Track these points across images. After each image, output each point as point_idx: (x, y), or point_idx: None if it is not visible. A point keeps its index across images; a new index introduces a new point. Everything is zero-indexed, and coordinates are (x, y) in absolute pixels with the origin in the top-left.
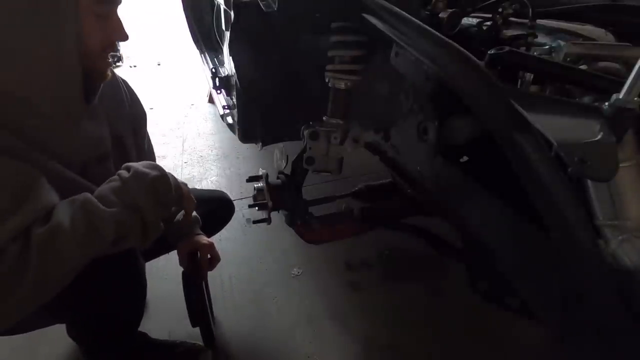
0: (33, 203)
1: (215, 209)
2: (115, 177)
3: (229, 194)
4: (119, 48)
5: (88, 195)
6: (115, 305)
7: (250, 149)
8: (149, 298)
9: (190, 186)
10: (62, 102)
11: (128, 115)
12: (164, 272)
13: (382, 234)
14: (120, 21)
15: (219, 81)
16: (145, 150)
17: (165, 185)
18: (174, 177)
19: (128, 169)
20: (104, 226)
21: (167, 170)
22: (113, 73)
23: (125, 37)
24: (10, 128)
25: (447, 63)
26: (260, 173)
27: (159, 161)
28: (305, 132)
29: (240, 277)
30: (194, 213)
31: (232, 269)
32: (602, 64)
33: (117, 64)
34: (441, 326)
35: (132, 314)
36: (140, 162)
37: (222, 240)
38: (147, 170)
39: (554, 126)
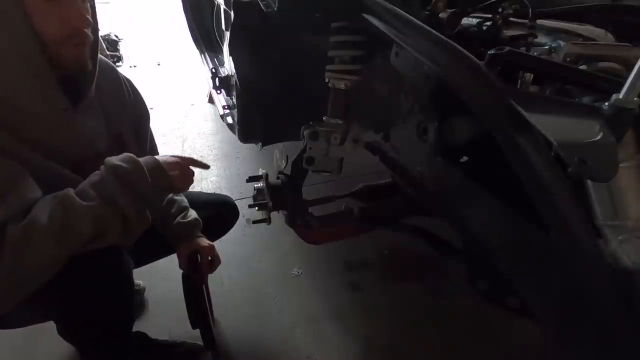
0: (12, 199)
1: (219, 212)
2: (97, 172)
3: (229, 194)
4: (88, 35)
5: (69, 190)
6: (99, 303)
7: (250, 149)
8: (149, 298)
9: (189, 186)
10: (41, 97)
11: (130, 114)
12: (164, 272)
13: (382, 234)
14: (75, 5)
15: (219, 81)
16: (146, 149)
17: (140, 178)
18: (154, 161)
19: (105, 163)
20: (80, 220)
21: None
22: (116, 70)
23: (83, 22)
24: (1, 125)
25: (447, 63)
26: (260, 173)
27: None
28: (305, 132)
29: (240, 277)
30: (195, 215)
31: (232, 269)
32: (602, 64)
33: (117, 64)
34: (441, 326)
35: (118, 313)
36: (118, 156)
37: (221, 240)
38: (120, 164)
39: (554, 126)
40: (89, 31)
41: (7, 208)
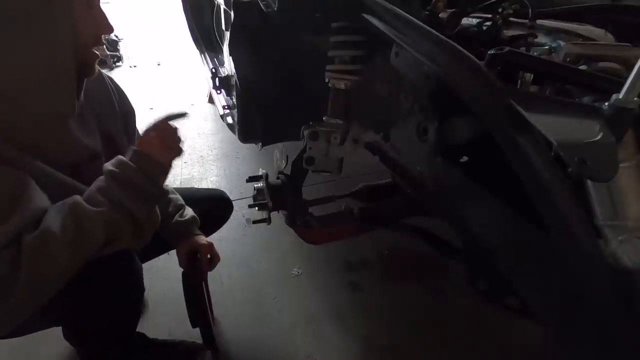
0: (25, 209)
1: (213, 207)
2: (101, 177)
3: (229, 194)
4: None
5: (77, 197)
6: (111, 308)
7: (250, 149)
8: (149, 298)
9: (190, 186)
10: (53, 100)
11: (117, 112)
12: (164, 272)
13: (382, 234)
14: (104, 12)
15: (219, 81)
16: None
17: (133, 176)
18: (135, 154)
19: (104, 169)
20: (93, 226)
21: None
22: (99, 70)
23: (111, 29)
24: (1, 132)
25: (447, 63)
26: (260, 173)
27: None
28: (305, 132)
29: (240, 277)
30: (192, 213)
31: (232, 268)
32: (602, 64)
33: (117, 64)
34: (441, 326)
35: (128, 316)
36: (110, 162)
37: (221, 240)
38: (112, 168)
39: (554, 126)
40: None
41: (22, 216)
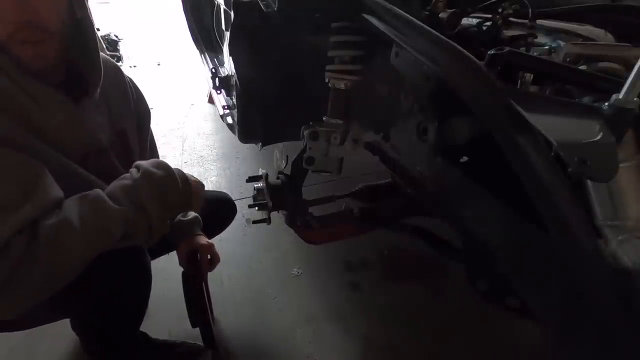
0: (40, 196)
1: (217, 210)
2: (127, 175)
3: (228, 194)
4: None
5: (99, 192)
6: (121, 298)
7: (250, 149)
8: (150, 298)
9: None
10: (33, 89)
11: (132, 111)
12: (164, 272)
13: (382, 234)
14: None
15: (219, 81)
16: (147, 146)
17: (173, 187)
18: (182, 173)
19: (138, 167)
20: (113, 224)
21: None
22: (119, 69)
23: (20, 16)
24: (11, 115)
25: (447, 63)
26: (260, 173)
27: None
28: (305, 132)
29: (240, 277)
30: (195, 213)
31: (232, 268)
32: (602, 64)
33: (117, 64)
34: (441, 326)
35: (137, 307)
36: (149, 161)
37: (222, 240)
38: (154, 170)
39: (554, 126)
40: (48, 28)
41: (37, 203)
